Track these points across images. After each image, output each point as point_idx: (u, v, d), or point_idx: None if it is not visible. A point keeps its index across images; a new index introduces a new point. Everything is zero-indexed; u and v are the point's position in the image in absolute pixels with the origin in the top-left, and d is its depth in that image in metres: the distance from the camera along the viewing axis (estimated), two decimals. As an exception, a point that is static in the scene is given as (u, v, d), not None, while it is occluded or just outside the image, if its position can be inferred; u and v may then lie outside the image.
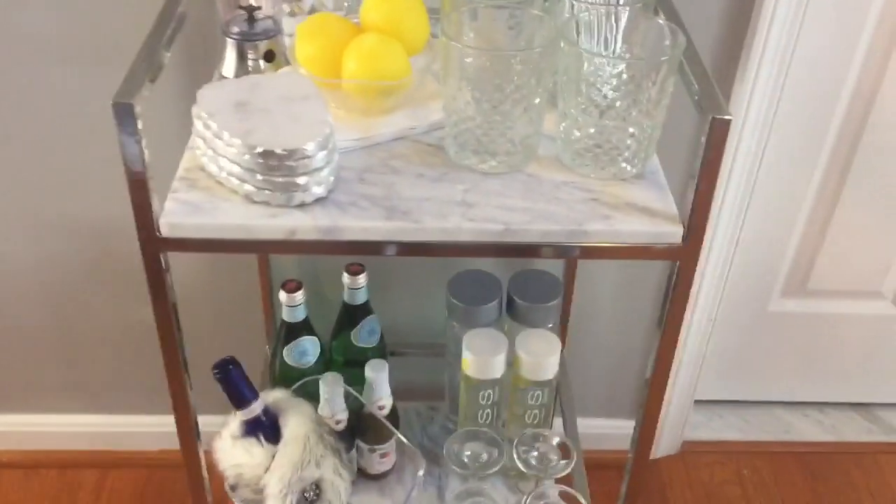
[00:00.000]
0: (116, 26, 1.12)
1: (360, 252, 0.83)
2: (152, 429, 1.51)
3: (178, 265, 0.86)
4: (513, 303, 1.23)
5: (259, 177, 0.81)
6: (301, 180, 0.81)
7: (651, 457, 1.62)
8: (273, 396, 1.04)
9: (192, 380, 0.94)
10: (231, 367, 0.97)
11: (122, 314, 1.42)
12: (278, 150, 0.80)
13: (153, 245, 0.82)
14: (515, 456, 1.11)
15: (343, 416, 1.20)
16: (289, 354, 1.21)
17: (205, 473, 1.02)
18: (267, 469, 0.98)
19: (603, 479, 1.34)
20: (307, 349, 1.21)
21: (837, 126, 1.35)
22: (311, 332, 1.22)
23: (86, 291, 1.41)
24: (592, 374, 1.52)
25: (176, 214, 0.82)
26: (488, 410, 1.22)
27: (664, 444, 1.62)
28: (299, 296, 1.17)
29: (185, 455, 0.99)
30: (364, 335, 1.25)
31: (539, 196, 0.86)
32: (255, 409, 1.00)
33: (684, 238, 0.82)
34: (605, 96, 0.82)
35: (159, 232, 0.81)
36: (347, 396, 1.19)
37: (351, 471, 1.05)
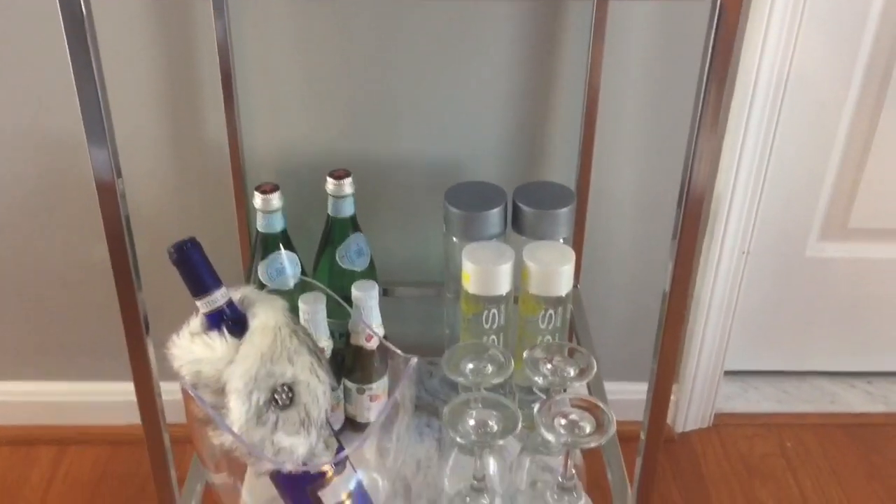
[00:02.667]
0: None
1: None
2: (119, 398, 1.35)
3: (139, 173, 0.72)
4: (519, 212, 1.08)
5: None
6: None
7: (680, 430, 1.45)
8: (241, 292, 0.89)
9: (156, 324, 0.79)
10: (190, 248, 0.82)
11: (81, 254, 1.27)
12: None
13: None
14: (526, 367, 0.95)
15: (326, 343, 1.04)
16: (265, 272, 1.06)
17: (168, 447, 0.85)
18: (230, 363, 0.82)
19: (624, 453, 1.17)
20: (285, 266, 1.06)
21: (872, 34, 1.22)
22: (291, 247, 1.08)
23: (36, 229, 1.26)
24: (610, 321, 1.36)
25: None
26: (493, 337, 1.06)
27: (693, 416, 1.45)
28: (275, 199, 1.03)
29: (144, 421, 0.82)
30: (351, 255, 1.10)
31: None
32: (218, 298, 0.84)
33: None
34: None
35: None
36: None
37: (332, 377, 0.89)
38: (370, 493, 0.96)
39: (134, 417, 0.82)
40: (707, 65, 0.67)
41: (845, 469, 1.39)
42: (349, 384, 1.09)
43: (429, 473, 1.10)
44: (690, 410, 1.44)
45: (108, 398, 1.38)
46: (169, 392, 0.82)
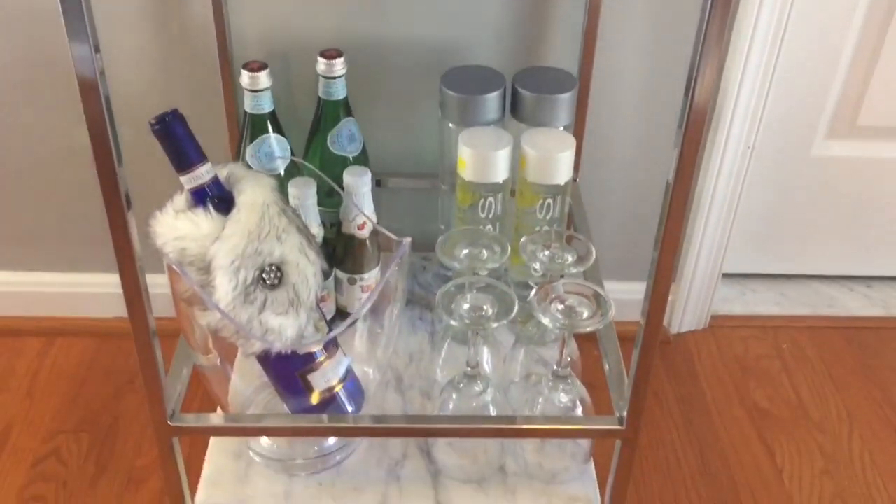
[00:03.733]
0: None
1: None
2: (107, 290, 1.32)
3: (121, 50, 0.66)
4: (518, 97, 1.04)
5: None
6: None
7: (675, 330, 1.44)
8: (228, 169, 0.85)
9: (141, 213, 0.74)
10: (173, 119, 0.78)
11: (63, 139, 1.22)
12: None
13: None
14: (522, 253, 0.92)
15: (317, 231, 1.01)
16: (253, 155, 1.02)
17: (154, 337, 0.81)
18: (216, 240, 0.79)
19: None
20: (274, 149, 1.02)
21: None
22: (280, 130, 1.03)
23: (12, 111, 1.20)
24: (609, 218, 1.33)
25: None
26: (489, 227, 1.03)
27: (689, 318, 1.43)
28: (263, 77, 0.99)
29: (129, 306, 0.77)
30: (342, 140, 1.06)
31: None
32: (203, 174, 0.81)
33: None
34: None
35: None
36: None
37: (323, 259, 0.86)
38: (361, 383, 0.94)
39: (120, 310, 0.78)
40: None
41: (841, 371, 1.38)
42: (340, 274, 1.06)
43: (420, 365, 1.08)
44: (686, 312, 1.42)
45: (95, 290, 1.35)
46: (156, 285, 0.79)
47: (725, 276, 1.45)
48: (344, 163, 1.06)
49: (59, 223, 1.31)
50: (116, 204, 0.72)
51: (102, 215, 0.71)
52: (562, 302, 0.85)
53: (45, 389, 1.29)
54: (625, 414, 0.84)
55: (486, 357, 0.99)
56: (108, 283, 1.33)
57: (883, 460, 1.24)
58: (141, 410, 1.25)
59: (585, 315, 0.84)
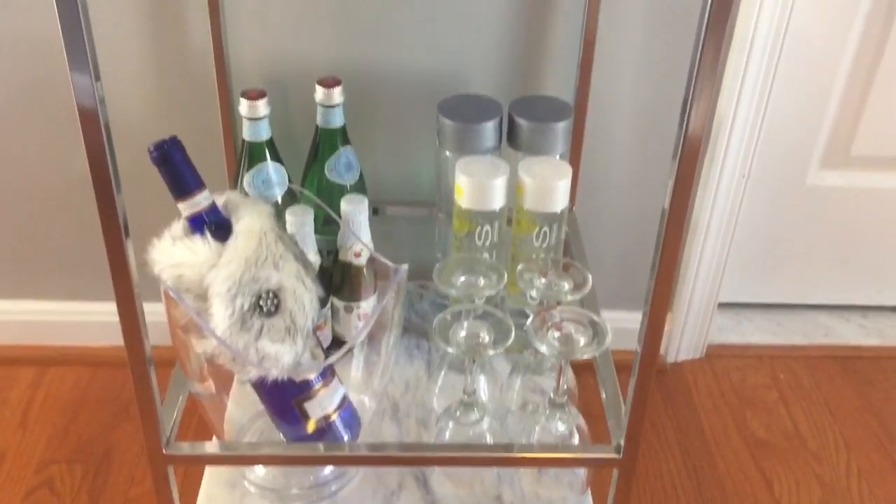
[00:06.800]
0: None
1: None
2: (102, 318, 1.31)
3: (121, 79, 0.66)
4: (515, 126, 1.04)
5: None
6: None
7: (672, 359, 1.43)
8: (225, 196, 0.85)
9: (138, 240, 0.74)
10: (172, 146, 0.78)
11: (60, 166, 1.22)
12: None
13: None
14: (519, 281, 0.92)
15: (314, 258, 1.01)
16: (251, 182, 1.02)
17: (151, 365, 0.81)
18: (213, 267, 0.79)
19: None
20: (271, 177, 1.03)
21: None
22: (277, 158, 1.04)
23: (12, 138, 1.21)
24: (605, 248, 1.33)
25: None
26: (486, 255, 1.03)
27: (686, 347, 1.43)
28: (262, 105, 0.99)
29: (126, 334, 0.76)
30: (340, 168, 1.06)
31: None
32: (201, 201, 0.81)
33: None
34: None
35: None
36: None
37: (320, 286, 0.85)
38: (357, 411, 0.94)
39: (114, 339, 0.78)
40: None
41: (838, 401, 1.37)
42: (337, 302, 1.06)
43: (417, 393, 1.07)
44: (683, 341, 1.42)
45: (88, 318, 1.35)
46: (151, 313, 0.79)
47: (721, 305, 1.45)
48: (341, 191, 1.06)
49: (52, 251, 1.31)
50: (114, 232, 0.72)
51: (96, 243, 0.71)
52: (558, 329, 0.85)
53: (38, 419, 1.28)
54: (622, 443, 0.83)
55: (482, 385, 0.99)
56: (101, 312, 1.33)
57: (881, 490, 1.23)
58: (135, 440, 1.24)
59: (582, 343, 0.84)
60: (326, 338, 1.08)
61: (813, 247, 1.45)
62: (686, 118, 0.68)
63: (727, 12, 0.65)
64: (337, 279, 1.04)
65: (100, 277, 1.25)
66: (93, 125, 0.67)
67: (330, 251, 1.05)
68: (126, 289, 0.75)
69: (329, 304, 1.06)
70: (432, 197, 1.15)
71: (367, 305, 1.06)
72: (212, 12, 1.06)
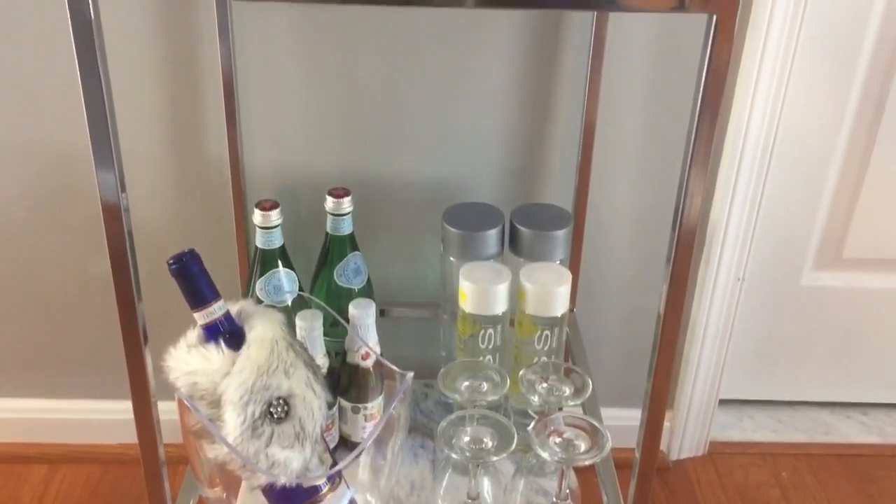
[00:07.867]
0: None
1: None
2: (112, 416, 1.33)
3: (140, 188, 0.71)
4: (516, 234, 1.09)
5: None
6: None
7: (675, 457, 1.44)
8: (239, 305, 0.89)
9: (155, 341, 0.79)
10: (189, 259, 0.83)
11: (78, 269, 1.26)
12: None
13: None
14: (521, 385, 0.95)
15: (322, 361, 1.04)
16: (262, 288, 1.06)
17: (164, 467, 0.84)
18: (227, 375, 0.82)
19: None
20: (282, 283, 1.07)
21: (864, 69, 1.24)
22: (289, 264, 1.08)
23: (34, 242, 1.25)
24: (605, 347, 1.36)
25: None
26: (489, 358, 1.06)
27: (688, 444, 1.44)
28: (275, 216, 1.04)
29: (141, 439, 0.81)
30: (348, 273, 1.10)
31: None
32: (216, 311, 0.85)
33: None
34: None
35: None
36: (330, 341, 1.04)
37: (328, 392, 0.88)
38: (364, 512, 0.95)
39: (126, 437, 0.81)
40: (700, 96, 0.68)
41: (840, 499, 1.38)
42: (344, 403, 1.08)
43: (422, 495, 1.09)
44: (685, 438, 1.44)
45: (100, 416, 1.36)
46: (164, 412, 0.82)
47: (723, 402, 1.47)
48: (349, 294, 1.10)
49: (65, 351, 1.34)
50: (134, 339, 0.76)
51: (108, 343, 0.75)
52: (559, 435, 0.88)
53: (49, 516, 1.29)
54: (624, 545, 0.85)
55: (486, 487, 1.00)
56: (112, 410, 1.34)
57: (886, 591, 1.23)
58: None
59: (583, 448, 0.86)
60: (333, 438, 1.10)
61: (811, 345, 1.47)
62: (679, 220, 0.72)
63: (718, 102, 0.69)
64: (344, 380, 1.07)
65: (110, 376, 1.30)
66: (117, 234, 0.71)
67: (338, 352, 1.08)
68: (143, 395, 0.78)
69: (336, 405, 1.09)
70: (437, 298, 1.19)
71: (373, 406, 1.08)
72: (229, 128, 1.13)
